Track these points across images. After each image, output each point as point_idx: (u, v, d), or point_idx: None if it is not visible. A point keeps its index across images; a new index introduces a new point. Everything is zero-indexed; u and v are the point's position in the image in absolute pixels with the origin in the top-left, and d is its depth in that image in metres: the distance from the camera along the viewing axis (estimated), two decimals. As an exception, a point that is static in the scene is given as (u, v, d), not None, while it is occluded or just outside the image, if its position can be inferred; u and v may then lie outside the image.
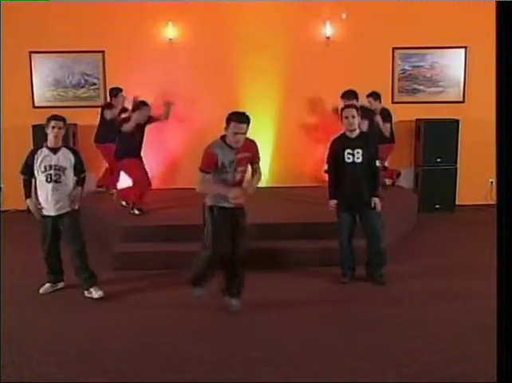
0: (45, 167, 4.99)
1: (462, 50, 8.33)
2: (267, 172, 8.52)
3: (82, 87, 8.39)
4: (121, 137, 6.61)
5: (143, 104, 6.62)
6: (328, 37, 8.20)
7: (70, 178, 5.08)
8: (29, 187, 5.14)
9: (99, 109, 7.81)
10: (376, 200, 5.14)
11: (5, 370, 3.71)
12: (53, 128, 4.97)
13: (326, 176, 5.56)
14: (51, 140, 5.01)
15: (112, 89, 7.67)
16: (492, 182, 8.20)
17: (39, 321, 4.57)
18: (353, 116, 5.06)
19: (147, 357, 3.93)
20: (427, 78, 8.45)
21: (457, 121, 8.10)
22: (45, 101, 8.37)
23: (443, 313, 4.60)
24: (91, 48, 8.18)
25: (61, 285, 5.36)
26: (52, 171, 4.99)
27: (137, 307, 4.86)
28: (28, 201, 5.15)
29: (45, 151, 5.02)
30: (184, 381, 3.64)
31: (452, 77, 8.43)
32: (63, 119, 5.04)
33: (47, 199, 5.03)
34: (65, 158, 5.05)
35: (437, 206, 8.19)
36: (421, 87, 8.47)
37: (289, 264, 5.81)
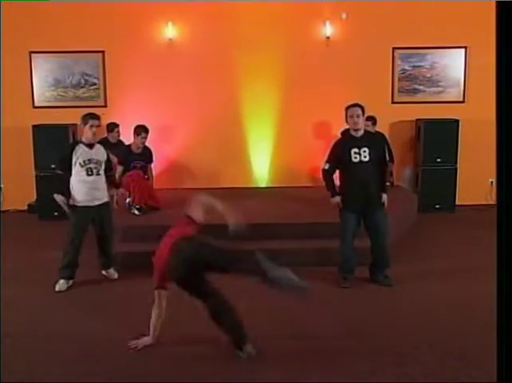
0: (85, 162, 5.26)
1: (462, 50, 8.33)
2: (267, 172, 8.55)
3: (82, 87, 8.39)
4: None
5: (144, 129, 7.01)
6: (328, 37, 8.20)
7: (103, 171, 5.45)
8: (62, 183, 5.27)
9: (98, 109, 7.83)
10: (384, 196, 5.15)
11: (6, 370, 3.70)
12: (92, 126, 5.27)
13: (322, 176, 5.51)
14: (89, 138, 5.31)
15: (108, 124, 7.72)
16: (492, 182, 8.21)
17: (39, 321, 4.57)
18: (358, 116, 5.03)
19: (148, 358, 3.93)
20: (427, 78, 8.45)
21: (457, 121, 8.10)
22: (45, 101, 8.37)
23: (443, 313, 4.60)
24: (91, 48, 8.19)
25: (71, 281, 5.40)
26: (91, 165, 5.30)
27: (137, 307, 4.86)
28: (56, 196, 5.24)
29: (82, 146, 5.30)
30: (185, 380, 3.64)
31: (452, 77, 8.43)
32: (99, 117, 5.41)
33: (88, 192, 5.29)
34: (100, 152, 5.44)
35: (437, 206, 8.19)
36: (421, 87, 8.47)
37: (286, 264, 5.79)
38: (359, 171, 5.06)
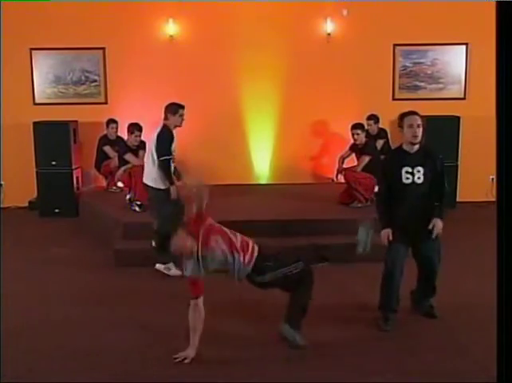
0: (173, 150, 5.50)
1: (463, 47, 8.31)
2: (267, 169, 8.55)
3: (83, 84, 8.39)
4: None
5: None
6: (329, 34, 8.19)
7: None
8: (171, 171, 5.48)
9: (99, 106, 7.99)
10: (438, 222, 4.22)
11: (6, 370, 3.70)
12: (181, 115, 5.55)
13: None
14: (177, 126, 5.54)
15: (106, 121, 7.87)
16: (493, 179, 8.19)
17: (39, 320, 4.56)
18: (418, 126, 4.13)
19: (147, 356, 3.93)
20: (428, 75, 8.43)
21: (458, 118, 8.08)
22: (46, 98, 8.37)
23: (443, 311, 4.59)
24: (91, 44, 8.18)
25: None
26: (174, 154, 5.52)
27: (138, 304, 4.87)
28: (172, 187, 5.43)
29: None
30: (184, 380, 3.64)
31: (453, 74, 8.41)
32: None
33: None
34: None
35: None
36: (422, 84, 8.45)
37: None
38: (410, 194, 4.19)
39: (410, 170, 4.14)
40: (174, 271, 5.47)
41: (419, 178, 4.16)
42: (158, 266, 5.54)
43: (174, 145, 5.52)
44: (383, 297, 4.40)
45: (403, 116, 4.22)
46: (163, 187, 5.46)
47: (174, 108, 5.52)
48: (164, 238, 5.43)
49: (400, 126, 4.22)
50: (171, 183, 5.42)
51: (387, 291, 4.36)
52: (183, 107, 5.55)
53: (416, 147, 4.19)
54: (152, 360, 3.85)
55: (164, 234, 5.44)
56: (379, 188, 4.43)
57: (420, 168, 4.15)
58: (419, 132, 4.12)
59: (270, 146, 8.44)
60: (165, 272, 5.51)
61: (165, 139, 5.45)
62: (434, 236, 4.20)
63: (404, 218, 4.22)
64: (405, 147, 4.23)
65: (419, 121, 4.14)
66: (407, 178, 4.15)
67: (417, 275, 4.54)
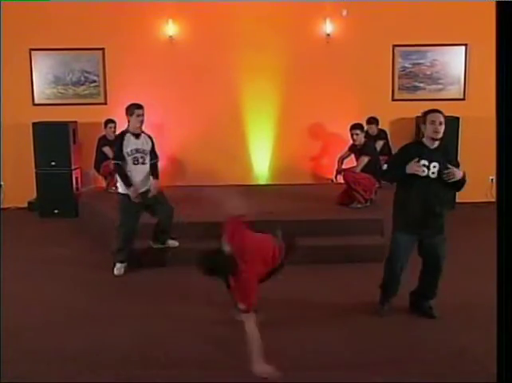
0: (131, 151, 5.45)
1: (463, 48, 8.32)
2: (267, 170, 8.55)
3: (82, 84, 8.39)
4: None
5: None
6: (328, 35, 8.20)
7: (148, 160, 5.62)
8: (125, 174, 5.46)
9: (98, 106, 8.05)
10: (454, 169, 4.27)
11: (6, 370, 3.69)
12: (139, 116, 5.44)
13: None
14: (136, 127, 5.48)
15: (105, 121, 7.87)
16: (492, 179, 8.20)
17: (39, 320, 4.57)
18: (441, 123, 4.21)
19: (147, 356, 3.93)
20: (427, 76, 8.44)
21: (457, 119, 8.08)
22: (45, 99, 8.37)
23: (443, 311, 4.60)
24: (91, 45, 8.18)
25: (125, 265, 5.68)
26: (138, 155, 5.49)
27: (137, 304, 4.87)
28: (131, 189, 5.44)
29: (129, 136, 5.48)
30: (185, 381, 3.64)
31: (452, 75, 8.42)
32: (143, 106, 5.54)
33: (135, 180, 5.49)
34: (146, 142, 5.59)
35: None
36: (421, 84, 8.46)
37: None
38: (423, 187, 4.24)
39: (426, 163, 4.22)
40: (118, 271, 5.61)
41: (433, 173, 4.23)
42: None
43: (142, 146, 5.52)
44: (383, 285, 4.56)
45: (426, 113, 4.32)
46: (123, 191, 5.52)
47: (130, 110, 5.50)
48: (127, 240, 5.49)
49: (423, 122, 4.31)
50: (127, 185, 5.45)
51: (387, 280, 4.51)
52: (139, 107, 5.50)
53: (436, 143, 4.28)
54: (152, 360, 3.86)
55: (128, 236, 5.52)
56: (386, 167, 4.47)
57: (436, 164, 4.23)
58: (441, 129, 4.21)
59: (270, 146, 8.45)
60: (117, 272, 5.61)
61: (116, 144, 5.57)
62: (446, 173, 4.22)
63: (415, 211, 4.29)
64: (426, 141, 4.31)
65: (442, 119, 4.23)
66: (423, 171, 4.22)
67: (420, 273, 4.55)
